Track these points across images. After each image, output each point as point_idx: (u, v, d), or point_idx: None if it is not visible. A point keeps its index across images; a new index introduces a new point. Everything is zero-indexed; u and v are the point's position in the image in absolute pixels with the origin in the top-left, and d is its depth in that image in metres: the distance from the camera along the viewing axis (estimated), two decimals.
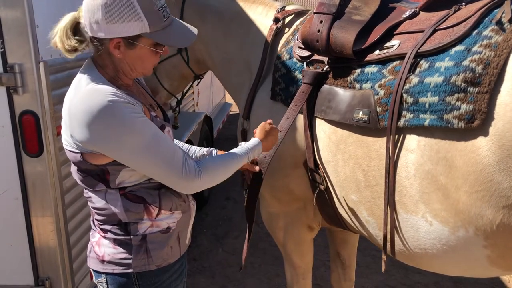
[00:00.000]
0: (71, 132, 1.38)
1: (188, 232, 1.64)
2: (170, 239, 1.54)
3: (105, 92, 1.34)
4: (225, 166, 1.53)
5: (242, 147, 1.62)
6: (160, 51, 1.45)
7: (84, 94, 1.35)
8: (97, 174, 1.42)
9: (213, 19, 2.38)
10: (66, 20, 1.41)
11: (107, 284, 1.51)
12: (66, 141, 1.43)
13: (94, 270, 1.55)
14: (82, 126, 1.33)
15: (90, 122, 1.31)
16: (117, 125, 1.32)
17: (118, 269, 1.48)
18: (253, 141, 1.66)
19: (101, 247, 1.51)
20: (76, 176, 1.49)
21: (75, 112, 1.35)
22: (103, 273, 1.51)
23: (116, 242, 1.49)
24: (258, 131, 1.71)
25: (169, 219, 1.52)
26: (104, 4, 1.32)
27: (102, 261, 1.50)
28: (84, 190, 1.52)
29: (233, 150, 1.58)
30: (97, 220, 1.53)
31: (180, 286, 1.64)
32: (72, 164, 1.47)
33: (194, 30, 1.50)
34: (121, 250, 1.48)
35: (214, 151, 1.85)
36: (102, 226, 1.51)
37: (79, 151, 1.40)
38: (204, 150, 1.85)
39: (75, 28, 1.40)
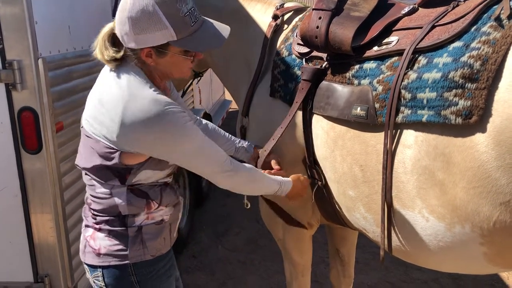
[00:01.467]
0: (120, 133, 1.38)
1: (177, 225, 1.69)
2: (164, 230, 1.58)
3: (162, 102, 1.39)
4: (260, 179, 1.65)
5: (280, 179, 1.73)
6: (191, 57, 1.46)
7: (143, 103, 1.37)
8: (118, 172, 1.45)
9: (212, 16, 2.38)
10: (104, 31, 1.46)
11: (103, 278, 1.52)
12: (101, 134, 1.42)
13: (89, 265, 1.55)
14: (140, 134, 1.38)
15: (149, 131, 1.37)
16: (174, 134, 1.39)
17: (114, 261, 1.50)
18: (288, 180, 1.76)
19: (97, 241, 1.52)
20: (90, 164, 1.47)
21: (132, 119, 1.36)
22: (99, 266, 1.52)
23: (112, 233, 1.50)
24: (293, 176, 1.80)
25: (161, 212, 1.56)
26: (130, 17, 1.35)
27: (99, 254, 1.51)
28: (87, 176, 1.53)
29: (271, 176, 1.71)
30: (93, 209, 1.53)
31: (174, 275, 1.68)
32: (92, 153, 1.45)
33: (226, 30, 1.49)
34: (117, 242, 1.50)
35: (253, 144, 1.99)
36: (98, 218, 1.52)
37: (118, 150, 1.41)
38: (244, 143, 1.99)
39: (113, 38, 1.44)
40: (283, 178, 1.73)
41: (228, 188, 1.60)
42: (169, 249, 1.64)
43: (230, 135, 2.00)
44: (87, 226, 1.57)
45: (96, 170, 1.48)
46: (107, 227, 1.51)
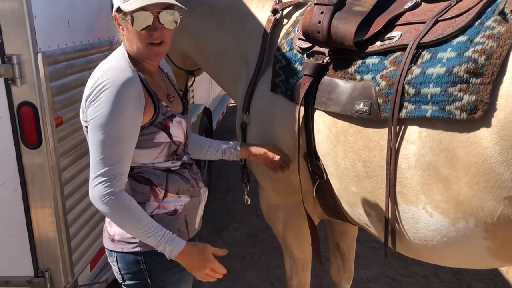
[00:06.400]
0: (86, 103, 1.47)
1: (197, 216, 1.68)
2: (177, 221, 1.58)
3: (121, 73, 1.44)
4: (129, 221, 1.45)
5: (164, 234, 1.46)
6: (131, 22, 1.45)
7: (105, 68, 1.47)
8: None
9: (203, 11, 2.36)
10: None
11: (117, 263, 1.58)
12: (82, 115, 1.52)
13: (107, 249, 1.62)
14: (90, 95, 1.44)
15: (95, 92, 1.42)
16: (108, 103, 1.40)
17: (126, 248, 1.55)
18: (178, 242, 1.48)
19: (113, 227, 1.57)
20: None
21: (90, 82, 1.47)
22: (114, 251, 1.58)
23: None
24: (195, 245, 1.54)
25: (176, 202, 1.57)
26: None
27: (113, 240, 1.57)
28: None
29: (155, 226, 1.46)
30: None
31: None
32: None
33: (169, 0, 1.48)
34: None
35: (238, 144, 1.94)
36: None
37: (86, 125, 1.49)
38: (231, 143, 1.95)
39: None
40: (172, 237, 1.47)
41: (97, 207, 1.45)
42: (186, 240, 1.58)
43: (213, 140, 1.97)
44: None
45: None
46: None
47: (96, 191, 1.43)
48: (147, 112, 1.48)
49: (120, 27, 1.52)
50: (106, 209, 1.44)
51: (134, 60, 1.53)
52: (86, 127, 1.49)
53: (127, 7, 1.44)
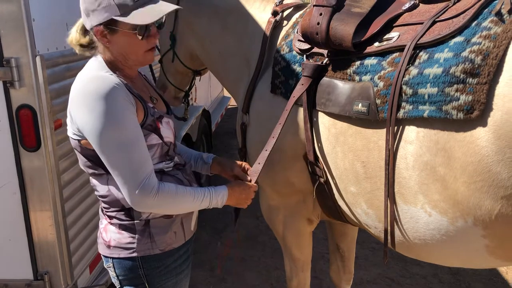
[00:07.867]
0: (73, 116, 1.44)
1: (192, 218, 1.68)
2: (173, 224, 1.58)
3: (106, 80, 1.40)
4: (182, 200, 1.49)
5: (209, 191, 1.55)
6: (140, 36, 1.44)
7: (87, 78, 1.43)
8: (94, 157, 1.47)
9: (209, 13, 2.38)
10: (78, 22, 1.53)
11: (114, 269, 1.57)
12: (70, 127, 1.49)
13: (103, 255, 1.61)
14: (79, 109, 1.40)
15: (85, 105, 1.38)
16: (105, 114, 1.37)
17: (123, 254, 1.54)
18: (222, 190, 1.58)
19: (108, 233, 1.57)
20: (80, 161, 1.54)
21: (76, 95, 1.42)
22: (110, 257, 1.57)
23: (121, 227, 1.54)
24: (233, 183, 1.66)
25: None
26: (83, 0, 1.45)
27: (109, 246, 1.56)
28: (90, 179, 1.58)
29: (199, 190, 1.54)
30: (103, 207, 1.58)
31: (186, 271, 1.69)
32: (75, 151, 1.53)
33: (170, 8, 1.48)
34: (126, 235, 1.54)
35: (211, 157, 1.84)
36: (108, 213, 1.56)
37: (77, 138, 1.46)
38: (202, 154, 1.86)
39: (85, 29, 1.51)
40: (215, 189, 1.57)
41: (147, 209, 1.47)
42: (183, 244, 1.63)
43: (188, 149, 1.89)
44: (102, 218, 1.62)
45: (83, 164, 1.54)
46: (116, 220, 1.54)
47: (140, 198, 1.41)
48: (138, 114, 1.46)
49: (105, 39, 1.45)
50: (158, 206, 1.46)
51: (113, 67, 1.49)
52: (78, 140, 1.45)
53: (135, 20, 1.40)
